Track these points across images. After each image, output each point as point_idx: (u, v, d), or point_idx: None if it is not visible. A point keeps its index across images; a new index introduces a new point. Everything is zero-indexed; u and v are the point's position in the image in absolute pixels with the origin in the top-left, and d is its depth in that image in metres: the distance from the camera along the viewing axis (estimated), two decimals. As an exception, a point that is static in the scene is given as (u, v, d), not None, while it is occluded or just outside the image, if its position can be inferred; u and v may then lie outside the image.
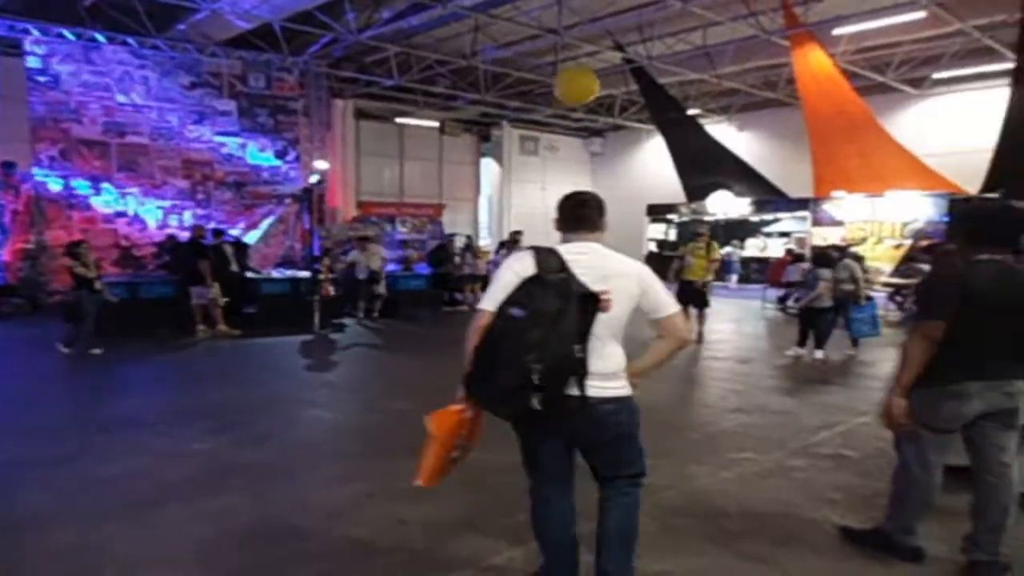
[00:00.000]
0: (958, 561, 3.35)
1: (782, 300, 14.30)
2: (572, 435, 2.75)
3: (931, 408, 3.20)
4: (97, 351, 8.85)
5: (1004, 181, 13.57)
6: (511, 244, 13.11)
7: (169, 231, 14.70)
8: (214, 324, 10.63)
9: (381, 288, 12.98)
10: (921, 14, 13.21)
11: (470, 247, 15.90)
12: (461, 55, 16.52)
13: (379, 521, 3.85)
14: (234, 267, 11.45)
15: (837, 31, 14.80)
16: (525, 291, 2.55)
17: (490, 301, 2.66)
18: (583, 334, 2.56)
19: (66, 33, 13.71)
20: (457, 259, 15.29)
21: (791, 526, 3.83)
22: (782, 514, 3.98)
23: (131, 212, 14.80)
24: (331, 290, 11.85)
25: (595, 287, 2.58)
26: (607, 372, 2.66)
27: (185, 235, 14.30)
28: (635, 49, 16.43)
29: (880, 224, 16.63)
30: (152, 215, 15.04)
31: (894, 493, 3.48)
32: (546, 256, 2.64)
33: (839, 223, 17.32)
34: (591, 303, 2.57)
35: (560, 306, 2.50)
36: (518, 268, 2.64)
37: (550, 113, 22.58)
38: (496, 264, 12.67)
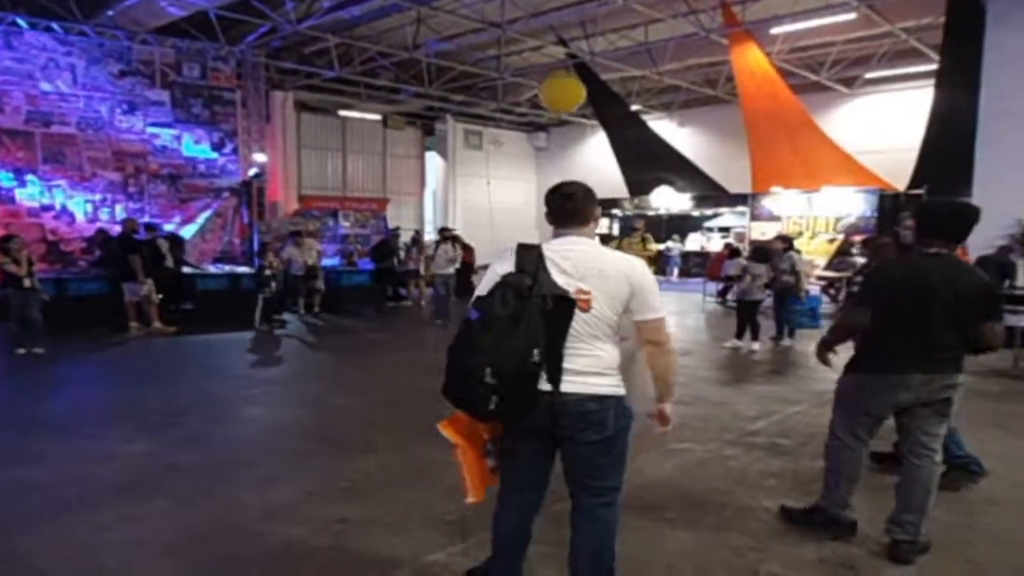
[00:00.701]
0: (882, 541, 3.47)
1: (721, 294, 14.64)
2: (553, 429, 2.58)
3: (873, 395, 3.40)
4: (21, 351, 8.49)
5: (929, 177, 14.16)
6: (442, 240, 13.07)
7: (100, 225, 14.12)
8: (148, 322, 10.29)
9: (319, 283, 12.82)
10: (852, 15, 13.66)
11: (417, 242, 15.78)
12: (404, 47, 16.34)
13: (317, 521, 3.78)
14: (169, 263, 11.09)
15: (773, 30, 15.17)
16: (491, 293, 2.50)
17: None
18: (554, 335, 2.48)
19: (-16, 17, 13.03)
20: (403, 254, 15.17)
21: (729, 513, 3.91)
22: (720, 502, 4.07)
23: (58, 206, 14.16)
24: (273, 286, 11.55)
25: (579, 285, 2.51)
26: (588, 370, 2.56)
27: (116, 229, 13.83)
28: (578, 45, 16.53)
29: (815, 219, 17.14)
30: (81, 209, 14.43)
31: (829, 470, 3.65)
32: (527, 255, 2.57)
33: (776, 218, 17.80)
34: (563, 304, 2.49)
35: (517, 310, 2.42)
36: (499, 269, 2.58)
37: (494, 107, 22.54)
38: (431, 259, 12.76)
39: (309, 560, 3.35)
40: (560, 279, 2.51)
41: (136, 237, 10.65)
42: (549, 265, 2.53)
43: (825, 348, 3.66)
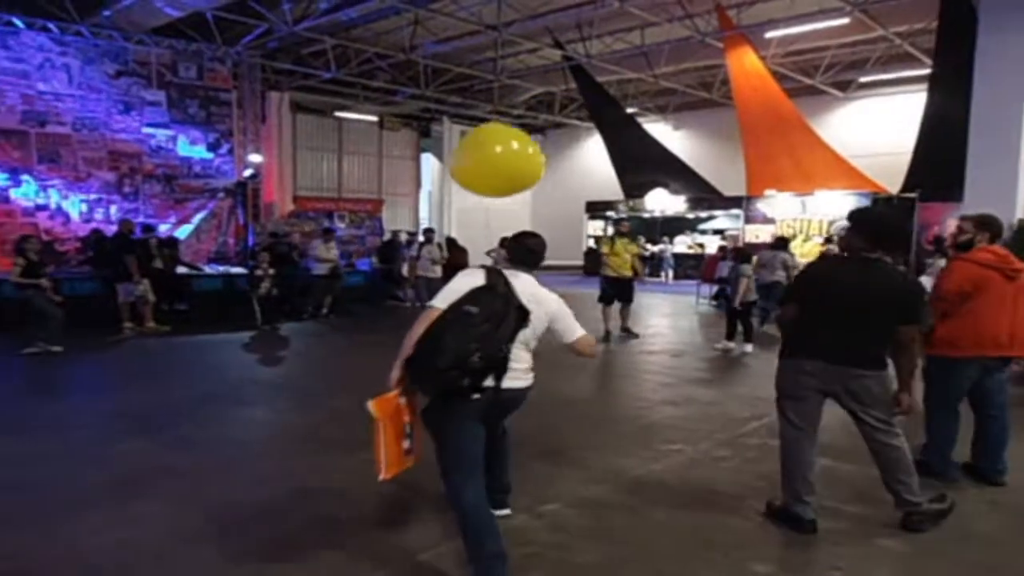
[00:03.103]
0: (874, 544, 3.51)
1: (716, 296, 14.68)
2: (486, 414, 3.16)
3: (782, 377, 3.78)
4: (57, 349, 8.51)
5: (921, 181, 14.24)
6: (426, 242, 13.06)
7: (94, 225, 14.11)
8: (142, 321, 10.29)
9: (340, 284, 12.72)
10: (846, 20, 13.75)
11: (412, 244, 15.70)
12: (400, 49, 16.38)
13: (310, 519, 3.80)
14: (158, 263, 11.04)
15: (768, 34, 15.26)
16: (476, 296, 3.05)
17: (442, 301, 3.11)
18: (512, 337, 3.06)
19: (-20, 16, 13.03)
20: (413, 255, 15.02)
21: (718, 513, 3.94)
22: (709, 502, 4.10)
23: (53, 205, 14.16)
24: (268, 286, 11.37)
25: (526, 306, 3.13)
26: (519, 369, 3.17)
27: (111, 230, 13.83)
28: (574, 47, 16.59)
29: (808, 222, 17.23)
30: (76, 208, 14.42)
31: (781, 462, 3.83)
32: (494, 275, 3.19)
33: (771, 221, 17.88)
34: (523, 315, 3.09)
35: (504, 311, 3.03)
36: (470, 281, 3.14)
37: (490, 109, 22.60)
38: (416, 259, 12.74)
39: (304, 558, 3.37)
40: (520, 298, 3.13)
41: (132, 237, 10.63)
42: (512, 285, 3.16)
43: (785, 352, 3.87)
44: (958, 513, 3.93)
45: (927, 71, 14.99)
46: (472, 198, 24.88)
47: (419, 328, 3.06)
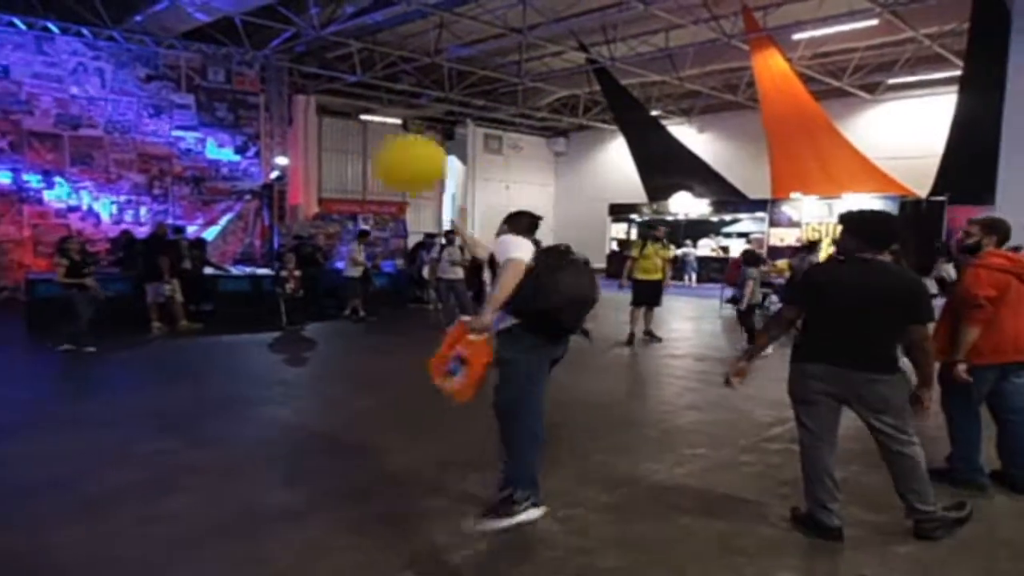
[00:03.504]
0: (899, 554, 3.48)
1: (732, 300, 14.60)
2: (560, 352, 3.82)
3: (792, 381, 3.72)
4: (90, 349, 8.66)
5: (951, 184, 14.03)
6: (448, 243, 13.03)
7: (124, 227, 14.38)
8: (173, 321, 10.46)
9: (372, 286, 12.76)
10: (875, 21, 13.59)
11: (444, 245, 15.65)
12: (425, 52, 16.47)
13: (335, 520, 3.84)
14: (187, 264, 11.22)
15: (796, 36, 15.12)
16: (561, 255, 3.66)
17: (526, 254, 3.59)
18: None
19: (17, 22, 13.32)
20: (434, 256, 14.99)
21: (742, 519, 3.92)
22: (733, 508, 4.08)
23: (85, 207, 14.46)
24: (294, 287, 11.44)
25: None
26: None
27: (141, 231, 14.10)
28: (598, 50, 16.58)
29: (835, 225, 17.01)
30: (106, 210, 14.72)
31: (801, 468, 3.79)
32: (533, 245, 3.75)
33: (796, 224, 17.71)
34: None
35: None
36: (528, 244, 3.71)
37: (514, 112, 22.65)
38: (436, 261, 12.20)
39: (327, 558, 3.41)
40: None
41: (167, 239, 10.92)
42: None
43: (762, 337, 4.03)
44: (987, 521, 3.89)
45: (957, 73, 14.76)
46: (495, 200, 25.05)
47: (514, 279, 3.48)
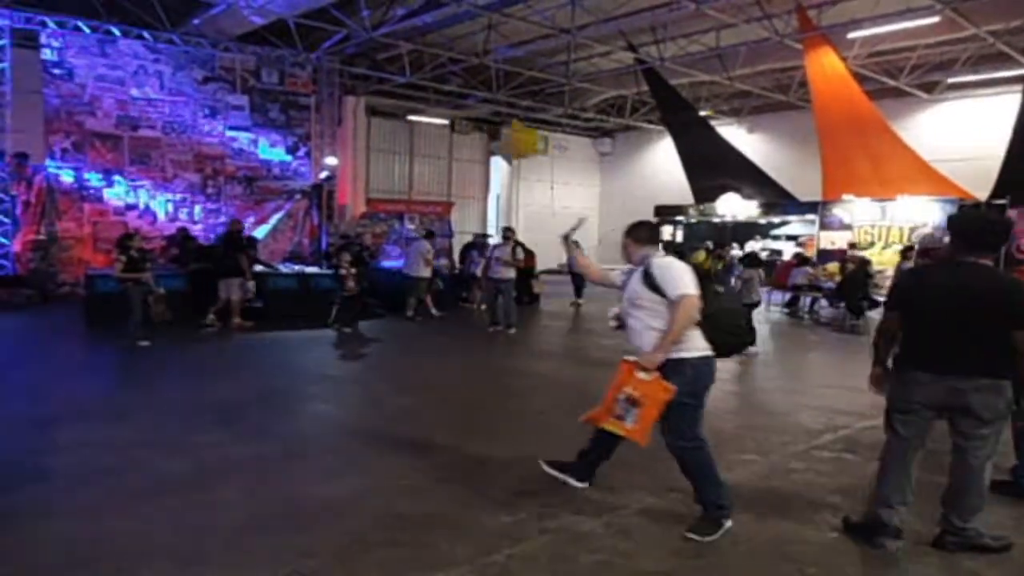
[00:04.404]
0: (951, 570, 3.36)
1: (789, 304, 14.31)
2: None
3: (894, 389, 3.63)
4: (145, 343, 8.91)
5: (1012, 187, 13.53)
6: (503, 241, 12.95)
7: (179, 224, 14.79)
8: (229, 317, 10.72)
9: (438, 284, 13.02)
10: (935, 19, 13.15)
11: (483, 246, 15.63)
12: (473, 53, 16.55)
13: (376, 516, 3.87)
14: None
15: (851, 35, 14.74)
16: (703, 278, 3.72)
17: (694, 285, 3.60)
18: None
19: (82, 26, 13.82)
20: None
21: (791, 527, 3.85)
22: (782, 515, 4.00)
23: (142, 205, 14.91)
24: (353, 286, 11.52)
25: None
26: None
27: (195, 229, 14.48)
28: (647, 50, 16.42)
29: (888, 228, 16.54)
30: (162, 208, 15.15)
31: (878, 469, 3.72)
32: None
33: (847, 227, 17.25)
34: None
35: None
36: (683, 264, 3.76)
37: (560, 112, 22.59)
38: (492, 259, 11.79)
39: (367, 554, 3.43)
40: None
41: (242, 236, 11.20)
42: None
43: (874, 361, 3.82)
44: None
45: (1022, 72, 14.21)
46: (540, 201, 25.02)
47: (688, 317, 3.54)
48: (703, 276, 3.74)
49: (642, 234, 3.92)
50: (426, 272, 12.38)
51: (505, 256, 11.26)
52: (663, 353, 3.53)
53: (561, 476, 4.23)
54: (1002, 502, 4.11)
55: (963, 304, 3.36)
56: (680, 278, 3.60)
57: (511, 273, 11.30)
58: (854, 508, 4.07)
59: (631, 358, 3.64)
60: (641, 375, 3.54)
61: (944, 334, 3.41)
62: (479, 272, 13.77)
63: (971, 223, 3.62)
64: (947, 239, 3.79)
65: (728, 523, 3.73)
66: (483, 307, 13.12)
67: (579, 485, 4.18)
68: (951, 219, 3.71)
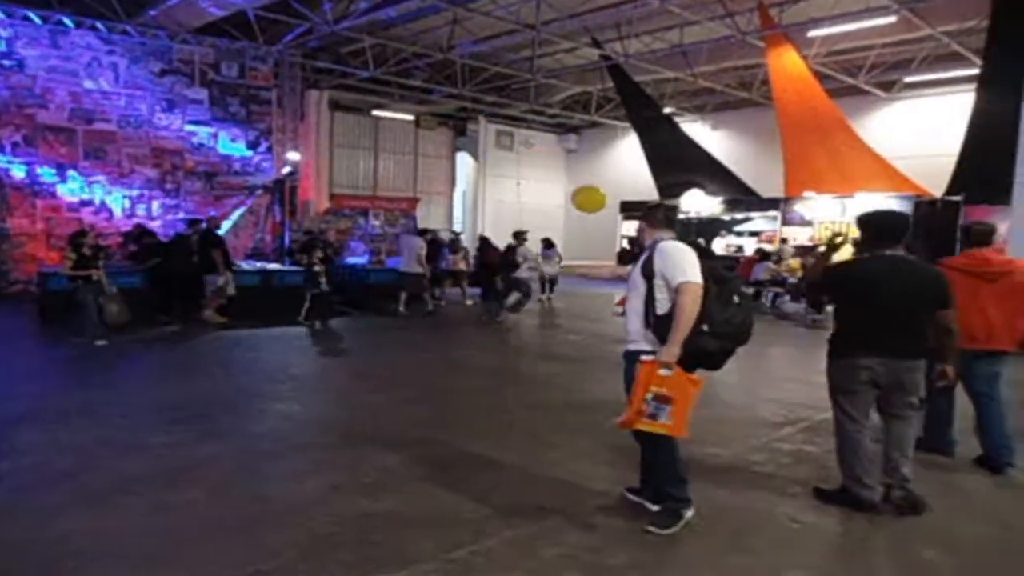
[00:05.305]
0: (919, 557, 3.42)
1: (752, 299, 14.49)
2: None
3: (840, 375, 3.97)
4: (102, 342, 8.69)
5: (967, 184, 13.86)
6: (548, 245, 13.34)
7: (136, 220, 14.44)
8: (199, 309, 10.70)
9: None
10: (892, 18, 13.43)
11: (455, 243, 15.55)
12: (438, 48, 16.45)
13: (342, 514, 3.82)
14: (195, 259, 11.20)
15: (811, 33, 14.98)
16: (715, 267, 3.56)
17: (698, 271, 3.46)
18: None
19: (32, 16, 13.39)
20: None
21: (752, 519, 3.88)
22: (744, 507, 4.04)
23: (97, 201, 14.53)
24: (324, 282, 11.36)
25: None
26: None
27: (152, 225, 14.16)
28: (612, 46, 16.49)
29: (848, 225, 16.83)
30: (119, 204, 14.78)
31: (837, 450, 4.10)
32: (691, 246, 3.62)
33: (808, 223, 17.52)
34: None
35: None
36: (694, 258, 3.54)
37: (526, 108, 22.59)
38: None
39: (334, 553, 3.39)
40: None
41: (218, 233, 11.18)
42: None
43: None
44: (1004, 527, 3.83)
45: (976, 71, 14.57)
46: (506, 197, 25.01)
47: (693, 304, 3.41)
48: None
49: (657, 216, 3.76)
50: (419, 268, 12.57)
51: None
52: (676, 346, 3.42)
53: (637, 500, 3.97)
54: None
55: (906, 294, 3.77)
56: (680, 264, 3.47)
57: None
58: (812, 501, 4.14)
59: (649, 357, 3.54)
60: (663, 372, 3.47)
61: (896, 322, 3.79)
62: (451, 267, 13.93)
63: (881, 219, 4.04)
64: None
65: (689, 514, 3.70)
66: (469, 303, 13.84)
67: (654, 507, 3.85)
68: (862, 217, 4.09)
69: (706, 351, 3.52)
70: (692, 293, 3.41)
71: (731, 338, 3.56)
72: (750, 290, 2.90)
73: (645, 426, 3.56)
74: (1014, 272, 4.66)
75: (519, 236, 13.01)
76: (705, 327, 3.45)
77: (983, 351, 4.60)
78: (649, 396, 3.51)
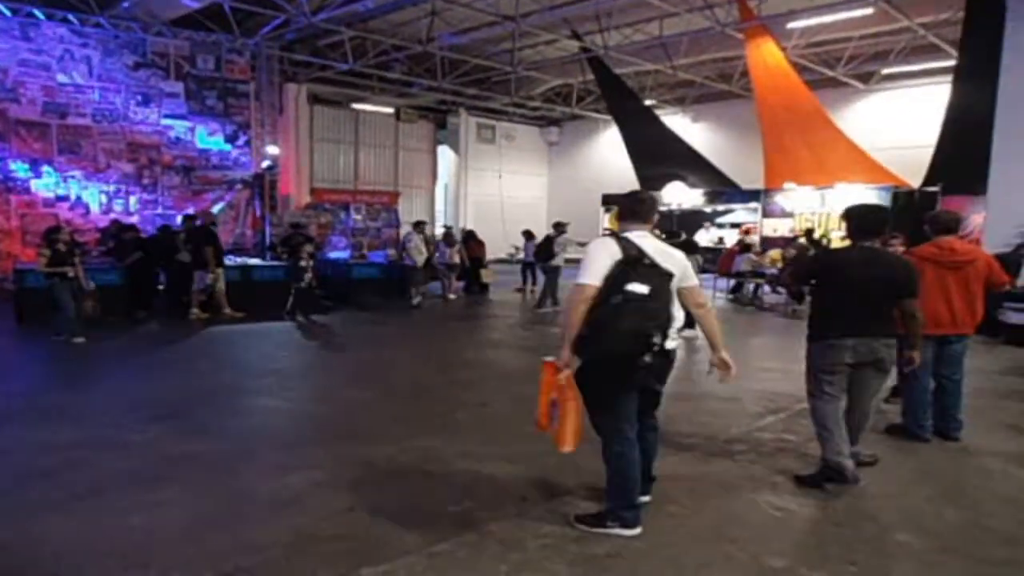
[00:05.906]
0: (893, 540, 3.46)
1: (734, 291, 14.58)
2: (648, 379, 3.41)
3: (821, 357, 4.18)
4: (80, 340, 8.57)
5: (944, 174, 14.02)
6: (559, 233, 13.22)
7: (113, 216, 14.25)
8: (218, 309, 10.82)
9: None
10: (869, 10, 13.55)
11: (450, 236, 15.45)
12: (417, 40, 16.35)
13: (325, 510, 3.80)
14: (184, 256, 11.05)
15: (790, 25, 15.07)
16: (632, 272, 3.16)
17: (593, 277, 3.19)
18: (671, 302, 3.33)
19: (2, 8, 13.12)
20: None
21: (733, 508, 3.91)
22: (725, 496, 4.06)
23: (73, 196, 14.32)
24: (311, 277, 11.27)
25: (665, 265, 3.30)
26: (675, 329, 3.40)
27: (130, 221, 13.96)
28: (592, 38, 16.49)
29: (828, 215, 16.99)
30: (95, 200, 14.57)
31: (815, 426, 4.26)
32: (625, 243, 3.28)
33: (789, 214, 17.67)
34: (669, 278, 3.30)
35: (661, 283, 3.22)
36: (611, 251, 3.24)
37: (507, 101, 22.53)
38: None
39: (315, 547, 3.37)
40: (658, 259, 3.29)
41: (213, 228, 11.26)
42: (645, 250, 3.28)
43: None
44: (974, 510, 3.89)
45: (952, 63, 14.73)
46: (488, 190, 24.94)
47: (580, 308, 3.17)
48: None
49: (623, 209, 3.54)
50: (420, 260, 12.94)
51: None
52: (564, 350, 3.24)
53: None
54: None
55: (874, 279, 4.05)
56: (584, 263, 3.26)
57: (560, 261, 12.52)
58: (793, 489, 4.17)
59: (549, 358, 3.39)
60: (560, 377, 3.28)
61: (867, 306, 4.06)
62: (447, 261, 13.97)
63: (861, 213, 4.29)
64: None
65: (616, 532, 3.45)
66: (453, 296, 14.00)
67: (645, 498, 3.75)
68: (845, 211, 4.35)
69: (595, 361, 3.26)
70: (573, 294, 3.21)
71: (621, 345, 3.17)
72: (644, 289, 2.58)
73: (550, 432, 3.43)
74: (976, 260, 5.01)
75: (559, 227, 13.10)
76: (588, 333, 3.20)
77: (949, 336, 4.99)
78: (551, 399, 3.37)
